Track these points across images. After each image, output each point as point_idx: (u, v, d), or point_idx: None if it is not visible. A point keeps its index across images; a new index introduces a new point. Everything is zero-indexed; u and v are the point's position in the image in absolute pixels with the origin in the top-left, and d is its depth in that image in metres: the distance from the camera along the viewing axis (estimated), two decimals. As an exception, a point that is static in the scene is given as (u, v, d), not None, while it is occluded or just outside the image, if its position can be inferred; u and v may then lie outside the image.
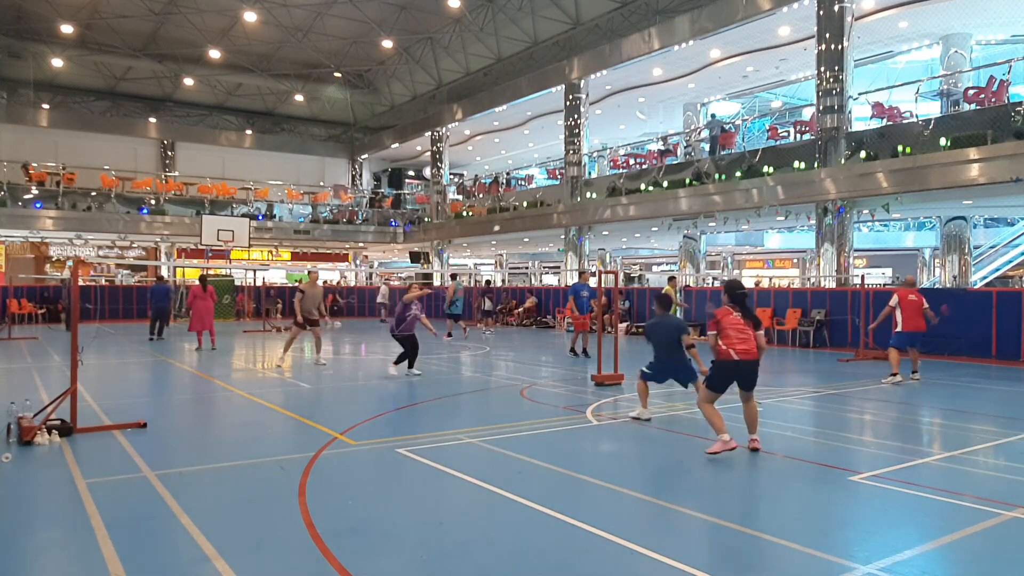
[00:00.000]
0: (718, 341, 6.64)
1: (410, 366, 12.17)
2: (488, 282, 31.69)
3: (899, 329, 11.36)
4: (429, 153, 36.02)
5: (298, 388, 11.21)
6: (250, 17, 28.59)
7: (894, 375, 11.22)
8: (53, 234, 30.98)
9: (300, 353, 17.01)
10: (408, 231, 36.75)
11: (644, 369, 8.33)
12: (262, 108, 40.61)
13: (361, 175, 42.55)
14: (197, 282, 18.06)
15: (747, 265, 42.80)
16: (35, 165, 29.88)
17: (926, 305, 11.41)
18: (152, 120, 37.19)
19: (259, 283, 30.46)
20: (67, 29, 29.08)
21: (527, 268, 46.66)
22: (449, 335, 20.31)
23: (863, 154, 18.19)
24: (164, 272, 32.32)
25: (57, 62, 31.78)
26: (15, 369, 13.03)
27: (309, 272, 14.44)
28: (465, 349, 17.68)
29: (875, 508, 5.19)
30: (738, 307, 6.73)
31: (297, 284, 16.89)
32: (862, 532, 4.70)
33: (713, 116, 25.54)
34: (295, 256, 39.63)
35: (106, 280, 31.34)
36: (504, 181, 33.85)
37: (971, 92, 17.65)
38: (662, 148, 26.25)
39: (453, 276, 24.55)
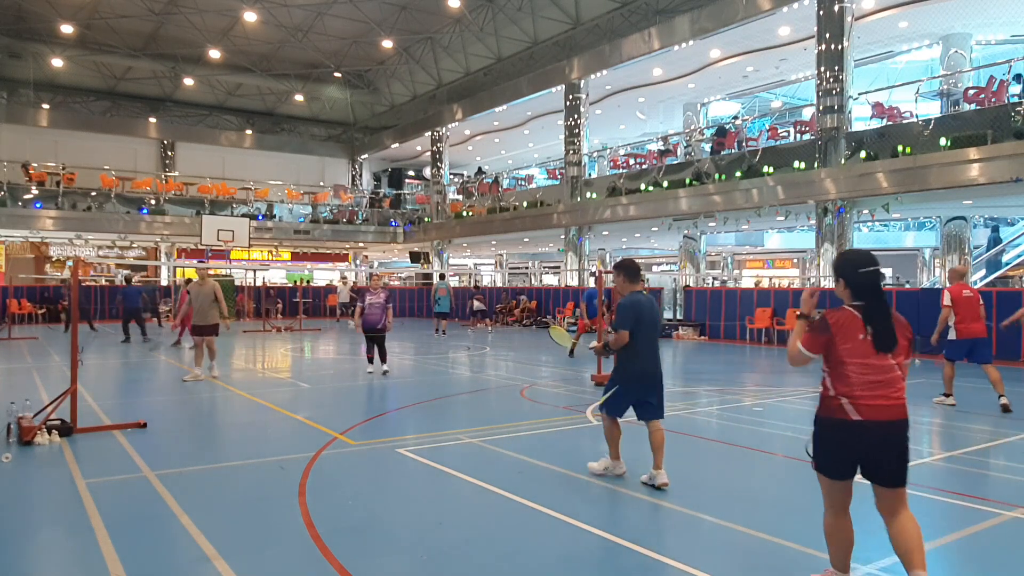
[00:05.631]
0: (824, 377, 3.56)
1: (370, 362, 12.39)
2: (477, 286, 31.94)
3: (952, 336, 9.26)
4: (429, 153, 36.01)
5: (298, 388, 11.22)
6: (250, 17, 28.58)
7: (946, 396, 9.34)
8: (53, 234, 30.97)
9: (299, 353, 17.02)
10: (408, 231, 36.75)
11: (609, 396, 5.70)
12: (262, 108, 40.60)
13: (361, 175, 42.54)
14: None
15: (747, 265, 42.80)
16: (35, 165, 29.86)
17: (982, 303, 9.32)
18: (152, 120, 37.17)
19: (259, 283, 30.46)
20: (67, 29, 29.06)
21: (527, 268, 46.65)
22: (436, 331, 21.92)
23: (863, 154, 18.19)
24: (164, 272, 32.39)
25: (57, 62, 31.76)
26: (15, 369, 13.03)
27: (197, 270, 13.11)
28: (465, 349, 17.68)
29: (875, 508, 5.18)
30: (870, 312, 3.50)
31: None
32: (862, 532, 4.68)
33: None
34: (295, 256, 39.64)
35: (106, 280, 31.34)
36: (498, 180, 33.89)
37: (971, 92, 17.66)
38: (662, 148, 26.25)
39: (442, 276, 25.52)
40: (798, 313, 3.66)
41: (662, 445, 5.62)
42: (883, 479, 3.43)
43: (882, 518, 3.50)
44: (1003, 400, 8.95)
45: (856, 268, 3.49)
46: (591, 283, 16.56)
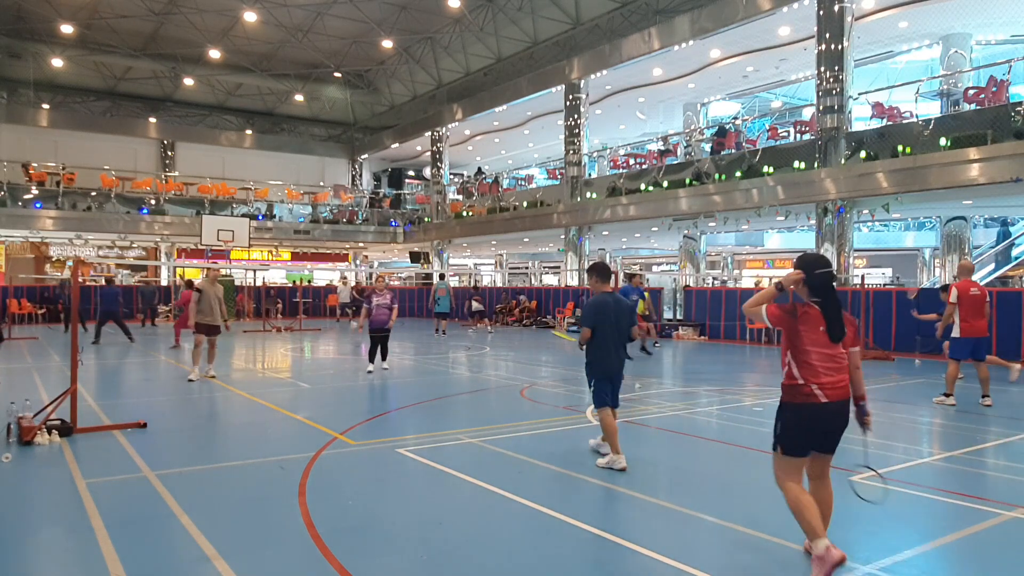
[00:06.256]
0: (791, 368, 4.04)
1: (371, 361, 12.74)
2: (476, 287, 32.09)
3: (956, 334, 9.11)
4: (429, 153, 36.02)
5: (298, 388, 11.22)
6: (250, 17, 28.58)
7: (947, 395, 9.30)
8: (53, 234, 30.97)
9: (299, 353, 17.03)
10: (408, 231, 36.76)
11: (595, 391, 6.33)
12: (262, 108, 40.60)
13: (361, 175, 42.54)
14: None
15: (747, 265, 42.80)
16: (35, 165, 29.86)
17: (988, 300, 9.22)
18: (152, 120, 37.17)
19: (259, 283, 30.46)
20: (67, 29, 29.06)
21: (527, 268, 46.66)
22: (436, 331, 22.02)
23: (863, 154, 18.19)
24: (164, 272, 32.36)
25: (57, 62, 31.76)
26: (15, 369, 13.03)
27: (208, 270, 13.55)
28: (464, 349, 17.68)
29: (875, 508, 5.18)
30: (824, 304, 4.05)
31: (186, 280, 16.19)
32: (862, 532, 4.70)
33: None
34: (295, 256, 39.63)
35: (106, 280, 31.32)
36: (498, 180, 33.94)
37: (971, 92, 17.66)
38: (662, 148, 26.25)
39: (442, 276, 25.71)
40: (776, 282, 4.16)
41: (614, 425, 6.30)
42: (829, 448, 4.11)
43: (809, 481, 4.17)
44: (986, 400, 9.21)
45: (813, 269, 4.06)
46: (627, 282, 16.83)
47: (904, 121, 18.78)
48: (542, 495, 5.33)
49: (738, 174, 21.04)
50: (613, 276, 17.38)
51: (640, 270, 43.33)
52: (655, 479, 6.10)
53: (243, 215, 31.32)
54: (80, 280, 29.32)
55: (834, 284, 4.08)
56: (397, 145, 38.70)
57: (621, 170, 26.22)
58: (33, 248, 33.65)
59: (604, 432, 6.24)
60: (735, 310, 20.33)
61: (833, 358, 3.98)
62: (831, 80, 18.55)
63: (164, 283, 31.31)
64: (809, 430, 4.02)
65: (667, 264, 42.81)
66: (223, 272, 31.73)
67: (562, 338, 11.71)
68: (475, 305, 27.80)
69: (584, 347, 6.35)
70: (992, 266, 26.72)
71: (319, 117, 41.93)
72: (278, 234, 33.99)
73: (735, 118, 29.29)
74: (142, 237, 32.22)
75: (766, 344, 19.09)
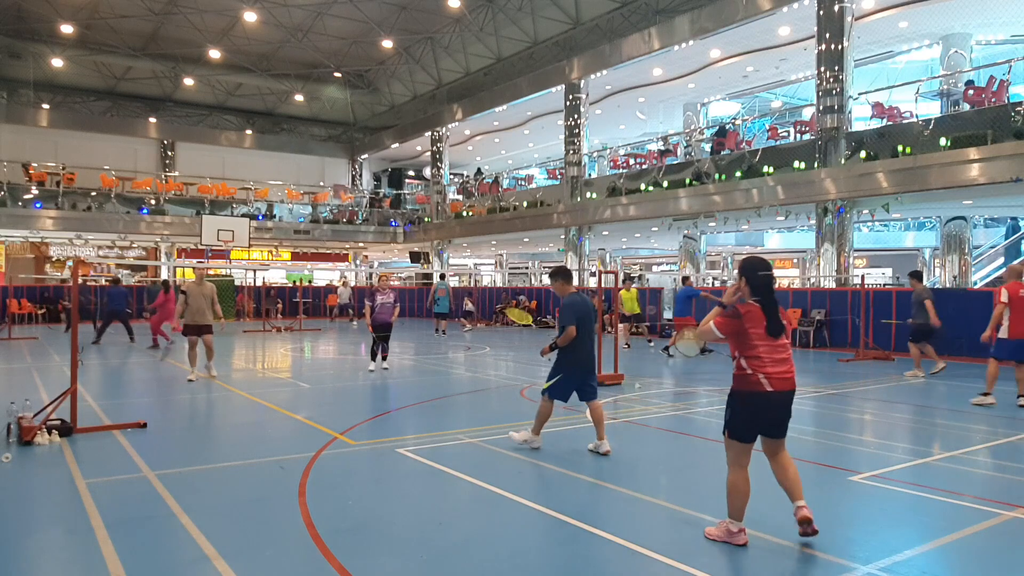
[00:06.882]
0: (741, 361, 4.39)
1: (373, 359, 12.88)
2: (475, 288, 32.28)
3: (1003, 335, 9.09)
4: (429, 153, 36.02)
5: (298, 388, 11.22)
6: (250, 17, 28.57)
7: (985, 395, 9.23)
8: (53, 234, 30.98)
9: (299, 353, 17.03)
10: (408, 231, 36.76)
11: (554, 382, 6.69)
12: (262, 108, 40.59)
13: (361, 175, 42.55)
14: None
15: (747, 265, 42.73)
16: (35, 165, 29.87)
17: None
18: (152, 120, 37.17)
19: (259, 283, 30.47)
20: (67, 29, 29.05)
21: (527, 268, 46.66)
22: (436, 331, 22.14)
23: (863, 154, 18.19)
24: (164, 272, 32.36)
25: (57, 62, 31.75)
26: (15, 369, 13.03)
27: (195, 270, 13.85)
28: (464, 349, 17.68)
29: (875, 508, 5.19)
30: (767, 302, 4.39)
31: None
32: (862, 532, 4.70)
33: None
34: (295, 256, 39.64)
35: (106, 280, 31.34)
36: (498, 180, 33.96)
37: (971, 92, 17.66)
38: (662, 148, 26.25)
39: (442, 276, 25.75)
40: (719, 302, 4.50)
41: (602, 419, 6.72)
42: (778, 434, 4.43)
43: (768, 459, 4.49)
44: (1023, 400, 9.13)
45: (756, 271, 4.36)
46: (681, 283, 16.95)
47: (904, 121, 18.78)
48: (542, 495, 5.33)
49: (738, 174, 21.04)
50: (616, 276, 17.50)
51: (641, 270, 43.39)
52: (655, 479, 6.11)
53: (243, 215, 31.33)
54: (80, 280, 29.40)
55: (773, 286, 4.41)
56: (397, 145, 38.70)
57: (621, 170, 26.21)
58: (33, 248, 33.65)
59: (538, 415, 6.74)
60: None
61: (779, 349, 4.33)
62: (831, 80, 18.55)
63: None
64: (755, 417, 4.36)
65: (667, 264, 42.81)
66: (221, 272, 31.79)
67: (521, 322, 12.03)
68: (468, 304, 27.92)
69: (559, 347, 6.58)
70: (1002, 259, 26.81)
71: (319, 117, 41.92)
72: (278, 234, 33.99)
73: (735, 118, 29.29)
74: (142, 237, 32.22)
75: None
